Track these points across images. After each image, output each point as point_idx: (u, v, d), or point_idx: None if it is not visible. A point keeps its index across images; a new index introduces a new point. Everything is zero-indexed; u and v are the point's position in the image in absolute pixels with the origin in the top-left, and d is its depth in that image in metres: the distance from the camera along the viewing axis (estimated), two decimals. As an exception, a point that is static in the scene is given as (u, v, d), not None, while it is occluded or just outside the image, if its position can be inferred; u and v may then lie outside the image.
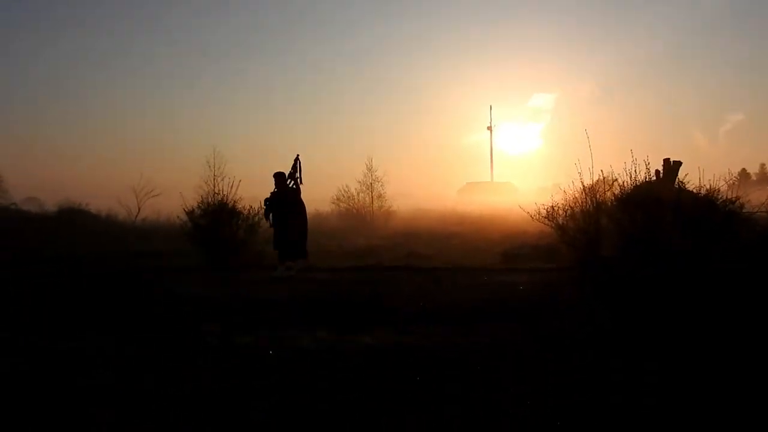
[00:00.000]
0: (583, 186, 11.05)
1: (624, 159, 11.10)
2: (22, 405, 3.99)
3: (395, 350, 5.20)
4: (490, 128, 59.85)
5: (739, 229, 11.40)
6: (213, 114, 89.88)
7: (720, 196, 11.96)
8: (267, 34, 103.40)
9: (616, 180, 11.46)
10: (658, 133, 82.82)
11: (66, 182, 59.16)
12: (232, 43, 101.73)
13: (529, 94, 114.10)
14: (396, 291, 8.45)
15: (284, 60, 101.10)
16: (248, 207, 12.59)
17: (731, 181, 12.18)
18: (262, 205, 10.93)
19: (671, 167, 14.54)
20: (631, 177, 11.08)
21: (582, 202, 11.04)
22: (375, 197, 28.85)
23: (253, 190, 14.12)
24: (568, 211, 11.03)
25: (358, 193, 28.84)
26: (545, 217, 11.16)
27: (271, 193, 10.54)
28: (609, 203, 11.14)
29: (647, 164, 11.32)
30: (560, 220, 11.08)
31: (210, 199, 12.80)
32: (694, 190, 12.55)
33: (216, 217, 12.43)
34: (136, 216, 29.29)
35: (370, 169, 29.39)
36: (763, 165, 73.35)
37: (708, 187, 11.55)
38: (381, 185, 29.21)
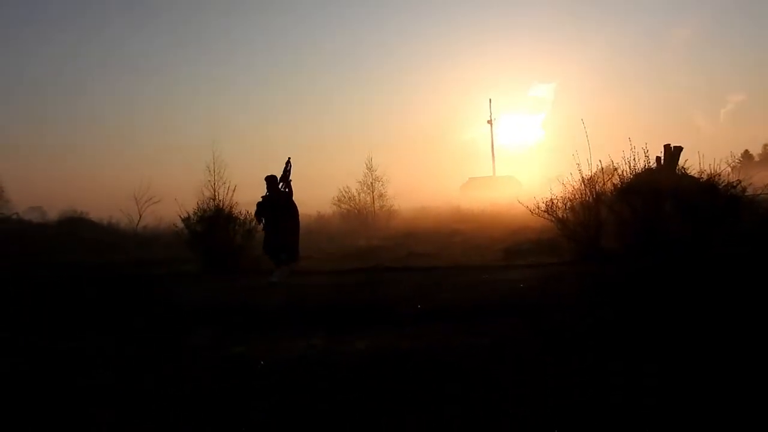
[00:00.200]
0: (582, 178, 10.94)
1: (624, 148, 11.03)
2: (22, 405, 4.01)
3: (392, 354, 5.09)
4: (490, 122, 59.47)
5: (742, 212, 11.27)
6: (212, 118, 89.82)
7: (722, 180, 11.84)
8: (265, 34, 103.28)
9: (617, 170, 11.36)
10: (660, 119, 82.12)
11: (69, 191, 59.28)
12: (231, 44, 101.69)
13: (529, 84, 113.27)
14: (394, 292, 8.35)
15: (282, 60, 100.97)
16: (245, 212, 12.52)
17: (733, 164, 12.11)
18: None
19: (672, 153, 14.39)
20: (630, 166, 10.97)
21: (581, 194, 10.93)
22: (376, 197, 28.77)
23: (253, 194, 14.06)
24: (568, 204, 10.91)
25: (359, 194, 28.77)
26: (545, 211, 11.05)
27: (263, 196, 10.45)
28: (609, 194, 11.02)
29: (646, 152, 11.22)
30: (560, 214, 10.97)
31: (206, 205, 12.73)
32: (696, 176, 12.43)
33: (212, 223, 12.36)
34: (138, 223, 29.30)
35: (370, 168, 29.32)
36: (765, 145, 72.77)
37: (709, 171, 11.44)
38: (382, 184, 29.12)
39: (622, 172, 11.01)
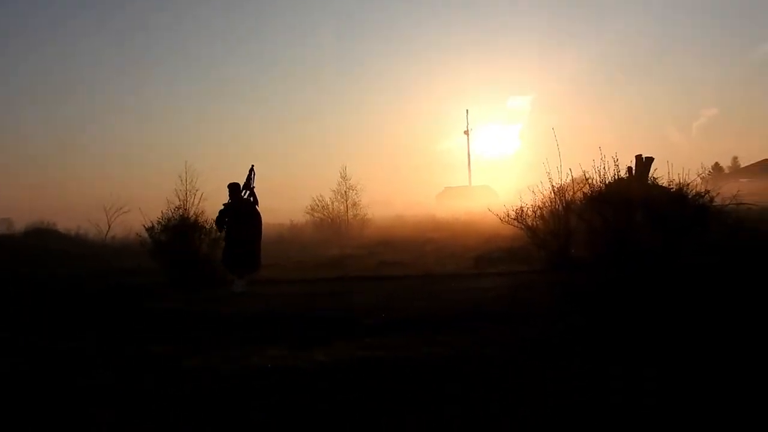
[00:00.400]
0: (552, 186, 10.89)
1: (597, 158, 11.02)
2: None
3: (351, 365, 4.91)
4: (467, 132, 59.83)
5: (710, 222, 11.31)
6: (184, 127, 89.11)
7: (690, 191, 11.89)
8: (238, 40, 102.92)
9: (589, 179, 11.34)
10: (635, 131, 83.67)
11: (38, 201, 58.13)
12: (202, 51, 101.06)
13: (506, 96, 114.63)
14: (361, 302, 8.20)
15: (256, 67, 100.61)
16: (211, 220, 12.23)
17: (703, 175, 12.17)
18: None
19: (643, 164, 14.47)
20: (600, 175, 10.95)
21: (552, 202, 10.88)
22: (350, 206, 28.71)
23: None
24: (538, 213, 10.85)
25: (332, 203, 28.73)
26: (515, 219, 10.97)
27: (225, 204, 10.20)
28: (579, 203, 10.99)
29: (616, 161, 11.20)
30: (530, 222, 10.90)
31: (171, 214, 12.40)
32: (666, 186, 12.48)
33: (177, 232, 12.04)
34: (107, 234, 28.72)
35: (344, 177, 29.27)
36: (735, 158, 74.34)
37: (678, 181, 11.47)
38: (356, 193, 29.14)
39: (593, 181, 10.98)
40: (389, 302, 8.10)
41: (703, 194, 11.33)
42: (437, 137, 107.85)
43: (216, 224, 10.45)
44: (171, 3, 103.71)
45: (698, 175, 11.96)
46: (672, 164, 11.51)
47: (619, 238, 10.40)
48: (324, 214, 28.40)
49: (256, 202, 10.28)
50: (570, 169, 11.04)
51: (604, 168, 10.97)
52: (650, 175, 13.91)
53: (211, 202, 12.61)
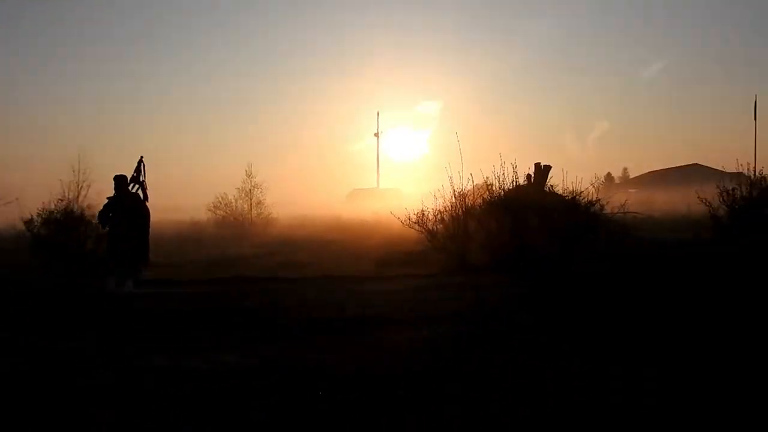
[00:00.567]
0: (454, 191, 10.95)
1: (498, 165, 11.20)
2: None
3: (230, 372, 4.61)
4: (377, 135, 60.04)
5: (601, 230, 11.79)
6: (80, 118, 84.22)
7: (583, 199, 12.33)
8: (141, 36, 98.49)
9: (491, 185, 11.50)
10: (536, 139, 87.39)
11: None
12: (105, 44, 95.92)
13: (417, 101, 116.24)
14: (242, 306, 7.87)
15: (159, 62, 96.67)
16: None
17: (596, 184, 12.66)
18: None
19: (542, 171, 14.92)
20: (499, 181, 11.13)
21: (452, 207, 10.94)
22: (254, 204, 28.02)
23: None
24: (438, 217, 10.88)
25: (236, 200, 27.96)
26: (415, 223, 10.95)
27: (109, 197, 9.48)
28: (478, 208, 11.12)
29: (515, 168, 11.42)
30: (430, 226, 10.91)
31: (54, 206, 11.48)
32: (562, 194, 12.90)
33: (60, 226, 11.14)
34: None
35: (249, 175, 28.51)
36: (625, 169, 79.09)
37: (571, 189, 11.87)
38: (261, 192, 28.45)
39: (492, 187, 11.14)
40: (276, 305, 7.80)
41: (594, 203, 11.80)
42: (349, 138, 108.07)
43: (99, 219, 9.69)
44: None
45: (591, 185, 12.39)
46: (567, 173, 11.90)
47: (517, 244, 10.61)
48: (227, 212, 27.58)
49: (145, 196, 9.64)
50: (471, 175, 11.15)
51: (503, 174, 11.17)
52: (548, 182, 14.39)
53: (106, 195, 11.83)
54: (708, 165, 55.08)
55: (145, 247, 9.58)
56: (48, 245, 11.06)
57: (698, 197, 14.32)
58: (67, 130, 76.07)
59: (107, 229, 9.53)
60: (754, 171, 14.56)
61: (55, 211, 11.46)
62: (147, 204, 9.65)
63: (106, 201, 9.47)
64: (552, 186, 13.92)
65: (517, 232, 10.74)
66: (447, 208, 10.94)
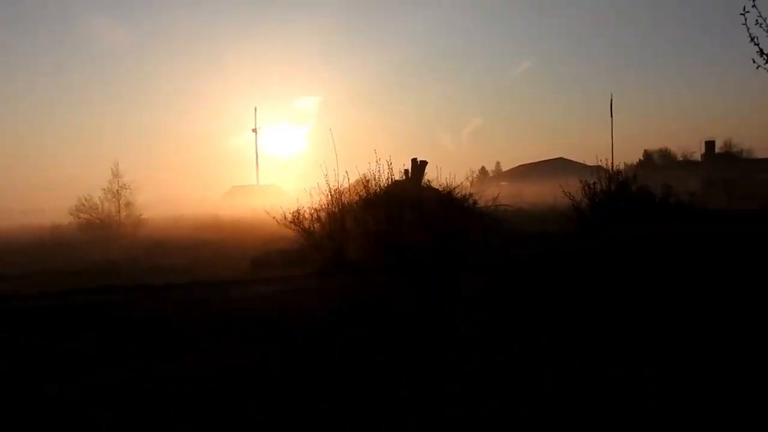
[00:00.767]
0: (330, 188, 10.74)
1: (375, 160, 11.11)
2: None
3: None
4: (255, 130, 58.62)
5: (473, 223, 12.09)
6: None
7: (458, 193, 12.61)
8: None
9: (369, 181, 11.41)
10: (414, 134, 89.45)
11: None
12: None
13: (295, 96, 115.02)
14: (102, 319, 7.24)
15: (15, 52, 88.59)
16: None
17: (471, 179, 13.02)
18: None
19: (418, 167, 15.10)
20: (375, 178, 11.06)
21: (329, 204, 10.72)
22: (123, 205, 26.37)
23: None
24: (314, 215, 10.62)
25: (102, 202, 26.20)
26: (291, 222, 10.63)
27: None
28: (355, 205, 10.99)
29: (390, 165, 11.40)
30: (307, 225, 10.64)
31: None
32: (439, 188, 13.11)
33: None
34: None
35: (116, 174, 26.77)
36: (498, 163, 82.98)
37: (445, 184, 12.08)
38: (130, 192, 26.87)
39: (369, 183, 11.05)
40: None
41: (468, 197, 12.09)
42: (227, 134, 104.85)
43: None
44: None
45: (467, 178, 12.69)
46: (444, 168, 12.10)
47: (394, 241, 10.60)
48: (92, 215, 25.73)
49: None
50: (347, 172, 10.97)
51: (379, 171, 11.11)
52: (425, 177, 14.59)
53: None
54: (572, 159, 59.17)
55: None
56: None
57: (562, 191, 15.11)
58: None
59: None
60: (612, 165, 15.66)
61: None
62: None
63: None
64: (429, 181, 14.16)
65: (393, 228, 10.73)
66: (323, 206, 10.70)
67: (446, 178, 12.29)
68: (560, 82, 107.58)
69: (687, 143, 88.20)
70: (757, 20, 5.09)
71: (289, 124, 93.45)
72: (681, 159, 54.42)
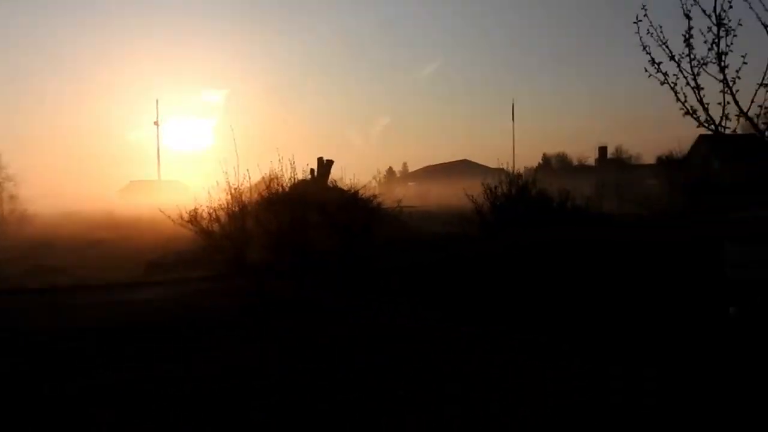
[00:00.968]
0: (229, 187, 10.31)
1: (281, 158, 10.81)
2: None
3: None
4: (156, 123, 56.08)
5: (379, 224, 12.03)
6: None
7: (364, 194, 12.50)
8: None
9: (274, 179, 11.07)
10: (322, 133, 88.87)
11: None
12: None
13: (201, 89, 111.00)
14: None
15: None
16: None
17: (378, 179, 12.98)
18: None
19: (324, 166, 14.90)
20: (277, 177, 10.76)
21: (228, 204, 10.29)
22: (5, 199, 24.50)
23: None
24: (213, 215, 10.15)
25: (-20, 196, 24.14)
26: (188, 221, 10.10)
27: None
28: (256, 205, 10.63)
29: (293, 164, 11.13)
30: (205, 225, 10.15)
31: None
32: (345, 188, 12.97)
33: None
34: None
35: (-2, 166, 24.78)
36: (405, 163, 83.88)
37: (351, 185, 11.95)
38: (14, 185, 24.99)
39: (271, 182, 10.73)
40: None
41: (373, 198, 12.03)
42: (126, 126, 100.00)
43: None
44: None
45: (373, 178, 12.64)
46: (348, 167, 12.03)
47: (298, 242, 10.34)
48: (-32, 210, 23.68)
49: None
50: (248, 170, 10.55)
51: (282, 170, 10.82)
52: (331, 177, 14.41)
53: None
54: (476, 161, 60.86)
55: None
56: None
57: (465, 194, 15.32)
58: None
59: None
60: (513, 169, 16.10)
61: None
62: None
63: None
64: (335, 181, 13.98)
65: (296, 228, 10.47)
66: (223, 205, 10.25)
67: (350, 179, 12.17)
68: (466, 85, 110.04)
69: (582, 149, 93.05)
70: (648, 30, 5.28)
71: (195, 118, 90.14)
72: (577, 164, 57.12)
